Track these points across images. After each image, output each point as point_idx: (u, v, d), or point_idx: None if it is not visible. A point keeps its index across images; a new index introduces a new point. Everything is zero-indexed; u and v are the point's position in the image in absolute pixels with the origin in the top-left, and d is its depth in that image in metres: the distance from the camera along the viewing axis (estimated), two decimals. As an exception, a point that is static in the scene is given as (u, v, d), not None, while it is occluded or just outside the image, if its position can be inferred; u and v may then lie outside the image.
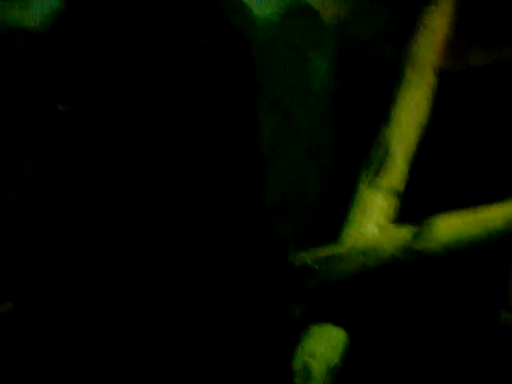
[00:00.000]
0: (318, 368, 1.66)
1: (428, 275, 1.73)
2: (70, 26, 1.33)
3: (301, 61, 2.06)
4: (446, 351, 1.83)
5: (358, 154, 1.88)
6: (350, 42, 2.11)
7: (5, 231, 1.41)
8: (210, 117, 1.36)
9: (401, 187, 1.76)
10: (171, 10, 1.30)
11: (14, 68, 1.76)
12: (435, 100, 1.90)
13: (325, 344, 1.69)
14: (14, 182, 1.75)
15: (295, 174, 2.10)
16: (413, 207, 1.78)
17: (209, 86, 1.34)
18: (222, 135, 1.37)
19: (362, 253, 1.64)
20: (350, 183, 1.83)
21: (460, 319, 1.86)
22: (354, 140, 2.05)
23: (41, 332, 1.27)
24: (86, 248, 1.25)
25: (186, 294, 1.29)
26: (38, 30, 1.63)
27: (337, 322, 1.70)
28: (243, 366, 1.45)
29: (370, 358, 1.81)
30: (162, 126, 1.33)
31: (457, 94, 2.04)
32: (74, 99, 1.31)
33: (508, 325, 1.72)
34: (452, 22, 1.94)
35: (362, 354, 1.77)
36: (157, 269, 1.31)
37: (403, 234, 1.64)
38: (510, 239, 1.64)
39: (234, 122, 1.39)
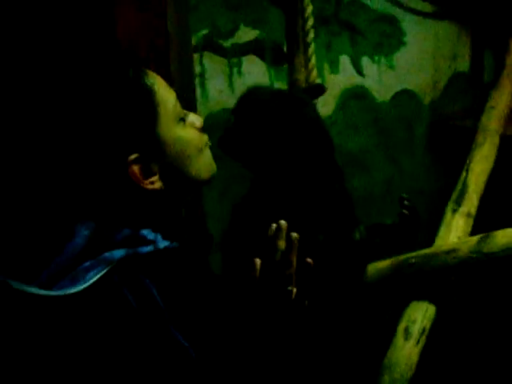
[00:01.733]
0: (416, 330, 2.22)
1: (491, 271, 2.30)
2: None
3: (408, 128, 2.85)
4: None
5: (446, 191, 2.52)
6: (442, 116, 2.83)
7: None
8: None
9: (474, 212, 2.41)
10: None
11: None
12: (498, 155, 2.46)
13: (421, 314, 2.25)
14: None
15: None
16: (482, 225, 2.36)
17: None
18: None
19: (446, 252, 2.26)
20: (441, 211, 2.48)
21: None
22: (444, 182, 2.68)
23: None
24: None
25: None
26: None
27: (429, 299, 2.26)
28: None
29: (452, 326, 2.40)
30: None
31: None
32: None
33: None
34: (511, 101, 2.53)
35: (446, 322, 2.36)
36: None
37: (474, 241, 2.21)
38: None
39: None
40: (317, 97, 1.99)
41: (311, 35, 2.17)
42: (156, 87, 1.13)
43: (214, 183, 1.29)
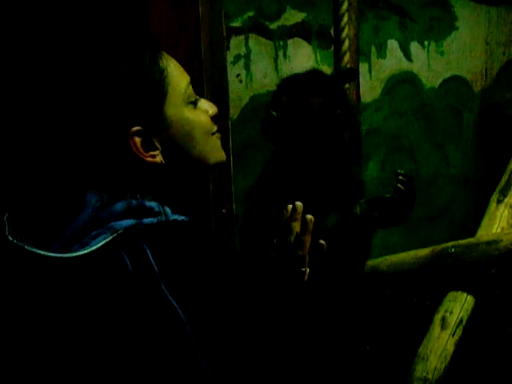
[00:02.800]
0: (453, 321, 2.23)
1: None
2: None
3: (455, 116, 2.80)
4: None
5: (492, 181, 2.50)
6: (492, 104, 2.78)
7: None
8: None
9: (520, 203, 2.39)
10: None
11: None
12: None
13: (459, 305, 2.25)
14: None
15: (449, 193, 2.80)
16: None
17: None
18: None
19: (487, 243, 2.25)
20: (485, 201, 2.46)
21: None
22: (490, 172, 2.63)
23: None
24: None
25: None
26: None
27: (468, 290, 2.26)
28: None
29: (490, 319, 2.39)
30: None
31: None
32: None
33: None
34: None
35: (484, 314, 2.35)
36: None
37: (517, 233, 2.24)
38: None
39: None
40: (349, 81, 1.99)
41: (357, 18, 2.17)
42: (169, 69, 1.18)
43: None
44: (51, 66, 1.20)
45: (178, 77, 1.20)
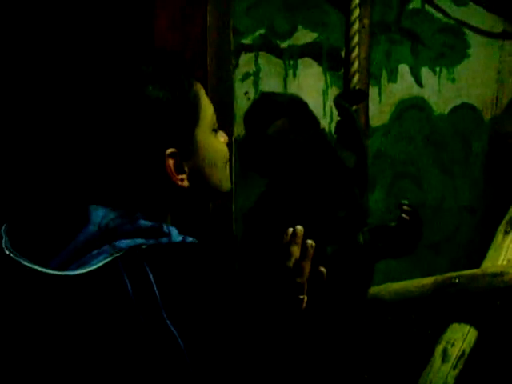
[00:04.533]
0: (454, 353, 2.18)
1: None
2: None
3: (464, 144, 2.77)
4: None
5: (499, 212, 2.47)
6: (502, 134, 2.74)
7: None
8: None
9: (526, 234, 2.35)
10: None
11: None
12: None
13: (461, 337, 2.20)
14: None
15: (455, 221, 2.77)
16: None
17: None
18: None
19: (493, 275, 2.21)
20: (492, 231, 2.42)
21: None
22: (498, 202, 2.60)
23: None
24: None
25: None
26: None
27: (471, 322, 2.21)
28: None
29: (493, 352, 2.34)
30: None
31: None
32: None
33: None
34: None
35: (487, 347, 2.30)
36: None
37: (523, 265, 2.21)
38: None
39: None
40: (357, 103, 1.97)
41: (368, 41, 2.15)
42: (201, 94, 1.21)
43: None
44: (95, 83, 1.18)
45: (207, 103, 1.23)
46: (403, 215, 1.51)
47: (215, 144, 1.23)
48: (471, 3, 2.68)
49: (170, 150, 1.14)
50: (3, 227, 1.12)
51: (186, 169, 1.17)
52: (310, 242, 1.13)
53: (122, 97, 1.12)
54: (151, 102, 1.13)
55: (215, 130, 1.25)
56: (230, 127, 1.76)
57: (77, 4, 1.65)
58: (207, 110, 1.21)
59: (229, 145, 1.31)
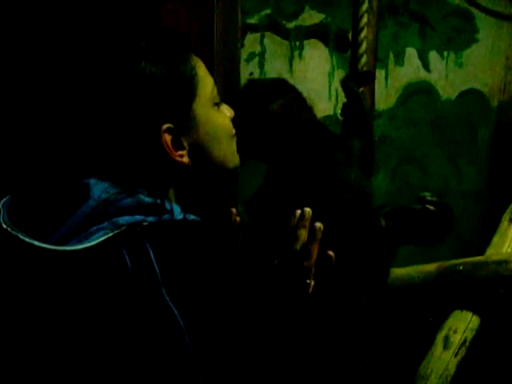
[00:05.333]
0: (456, 340, 2.17)
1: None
2: None
3: (470, 130, 2.74)
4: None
5: (505, 199, 2.44)
6: (508, 120, 2.72)
7: None
8: None
9: (531, 223, 2.34)
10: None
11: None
12: None
13: (463, 324, 2.19)
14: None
15: (459, 208, 2.74)
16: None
17: None
18: None
19: (497, 262, 2.19)
20: (497, 218, 2.40)
21: None
22: (504, 189, 2.61)
23: None
24: None
25: None
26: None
27: (474, 310, 2.19)
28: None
29: (495, 340, 2.34)
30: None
31: None
32: None
33: None
34: None
35: (490, 335, 2.29)
36: None
37: (528, 253, 2.19)
38: None
39: None
40: (364, 84, 1.94)
41: (376, 21, 2.11)
42: (198, 69, 1.17)
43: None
44: (86, 61, 1.15)
45: (205, 77, 1.19)
46: (428, 206, 1.46)
47: (216, 118, 1.20)
48: (482, -15, 2.64)
49: (165, 126, 1.11)
50: (2, 201, 1.10)
51: (186, 144, 1.15)
52: (318, 224, 1.10)
53: (116, 72, 1.11)
54: (144, 77, 1.10)
55: (217, 104, 1.22)
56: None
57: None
58: (206, 83, 1.18)
59: (234, 119, 1.27)
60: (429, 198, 1.49)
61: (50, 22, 1.69)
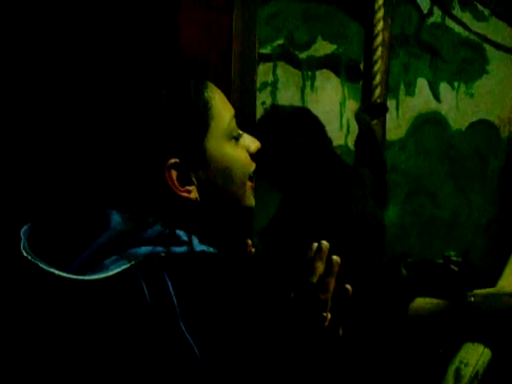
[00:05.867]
0: (468, 374, 2.14)
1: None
2: None
3: (481, 161, 2.75)
4: None
5: None
6: None
7: None
8: None
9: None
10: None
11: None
12: None
13: (475, 357, 2.16)
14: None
15: (469, 238, 2.74)
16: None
17: None
18: None
19: (509, 295, 2.17)
20: (507, 250, 2.37)
21: None
22: None
23: None
24: None
25: None
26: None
27: (485, 343, 2.17)
28: None
29: (507, 374, 2.31)
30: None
31: None
32: None
33: None
34: None
35: (501, 369, 2.26)
36: None
37: (539, 285, 2.18)
38: None
39: None
40: (378, 116, 1.95)
41: (388, 54, 2.14)
42: (213, 101, 1.13)
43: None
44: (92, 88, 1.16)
45: (222, 109, 1.14)
46: (453, 266, 1.45)
47: (231, 154, 1.14)
48: (492, 18, 2.66)
49: (171, 161, 1.08)
50: (23, 229, 1.10)
51: (195, 180, 1.11)
52: (335, 257, 1.08)
53: (126, 102, 1.10)
54: (152, 107, 1.08)
55: (236, 138, 1.16)
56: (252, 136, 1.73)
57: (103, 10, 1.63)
58: (222, 116, 1.13)
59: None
60: (454, 259, 1.48)
61: (74, 46, 1.70)
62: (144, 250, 1.05)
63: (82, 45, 1.68)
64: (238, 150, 1.16)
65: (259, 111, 2.36)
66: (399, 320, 1.58)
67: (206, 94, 1.12)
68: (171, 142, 1.08)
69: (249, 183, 1.19)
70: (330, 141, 1.68)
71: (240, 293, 1.15)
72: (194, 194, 1.11)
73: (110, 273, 1.01)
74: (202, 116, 1.10)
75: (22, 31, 1.72)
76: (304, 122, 1.66)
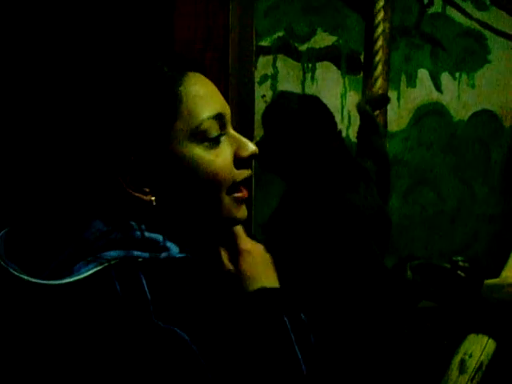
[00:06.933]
0: (472, 365, 2.15)
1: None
2: None
3: (484, 151, 2.73)
4: None
5: None
6: None
7: None
8: None
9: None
10: None
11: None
12: None
13: (479, 348, 2.17)
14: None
15: (472, 232, 2.73)
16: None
17: None
18: None
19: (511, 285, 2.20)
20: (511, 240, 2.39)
21: None
22: None
23: None
24: None
25: None
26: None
27: (490, 334, 2.18)
28: None
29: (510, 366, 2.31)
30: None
31: None
32: None
33: None
34: None
35: (506, 359, 2.27)
36: None
37: (542, 276, 2.18)
38: None
39: None
40: (380, 108, 1.94)
41: (389, 45, 2.12)
42: (186, 97, 1.01)
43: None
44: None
45: (196, 107, 1.01)
46: (459, 272, 1.44)
47: (200, 158, 1.01)
48: (493, 7, 2.64)
49: (125, 158, 1.00)
50: (0, 234, 1.08)
51: (152, 182, 1.02)
52: None
53: (83, 92, 1.03)
54: (107, 98, 0.99)
55: (213, 141, 1.02)
56: (251, 130, 1.72)
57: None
58: (193, 115, 1.00)
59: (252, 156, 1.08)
60: (461, 264, 1.46)
61: (67, 40, 1.69)
62: (118, 252, 1.01)
63: (74, 42, 1.67)
64: (210, 155, 1.03)
65: (260, 104, 2.37)
66: (405, 322, 1.56)
67: (179, 88, 1.00)
68: (125, 138, 1.00)
69: (234, 194, 1.07)
70: (340, 131, 1.66)
71: (216, 298, 1.09)
72: (149, 197, 1.03)
73: (82, 276, 0.99)
74: (166, 112, 0.99)
75: (22, 31, 1.72)
76: (314, 110, 1.64)
